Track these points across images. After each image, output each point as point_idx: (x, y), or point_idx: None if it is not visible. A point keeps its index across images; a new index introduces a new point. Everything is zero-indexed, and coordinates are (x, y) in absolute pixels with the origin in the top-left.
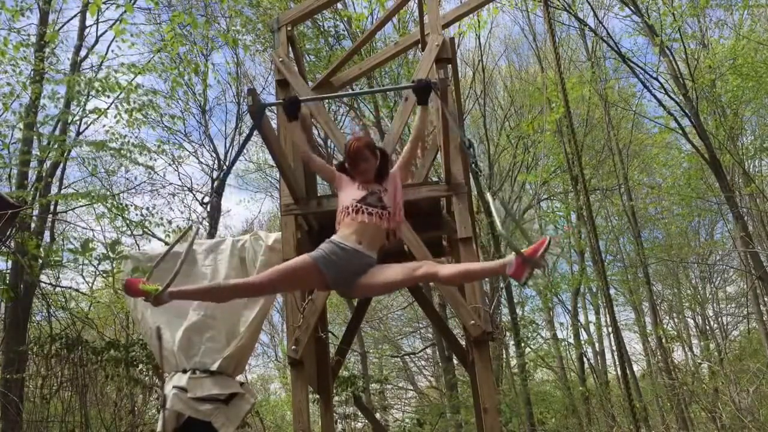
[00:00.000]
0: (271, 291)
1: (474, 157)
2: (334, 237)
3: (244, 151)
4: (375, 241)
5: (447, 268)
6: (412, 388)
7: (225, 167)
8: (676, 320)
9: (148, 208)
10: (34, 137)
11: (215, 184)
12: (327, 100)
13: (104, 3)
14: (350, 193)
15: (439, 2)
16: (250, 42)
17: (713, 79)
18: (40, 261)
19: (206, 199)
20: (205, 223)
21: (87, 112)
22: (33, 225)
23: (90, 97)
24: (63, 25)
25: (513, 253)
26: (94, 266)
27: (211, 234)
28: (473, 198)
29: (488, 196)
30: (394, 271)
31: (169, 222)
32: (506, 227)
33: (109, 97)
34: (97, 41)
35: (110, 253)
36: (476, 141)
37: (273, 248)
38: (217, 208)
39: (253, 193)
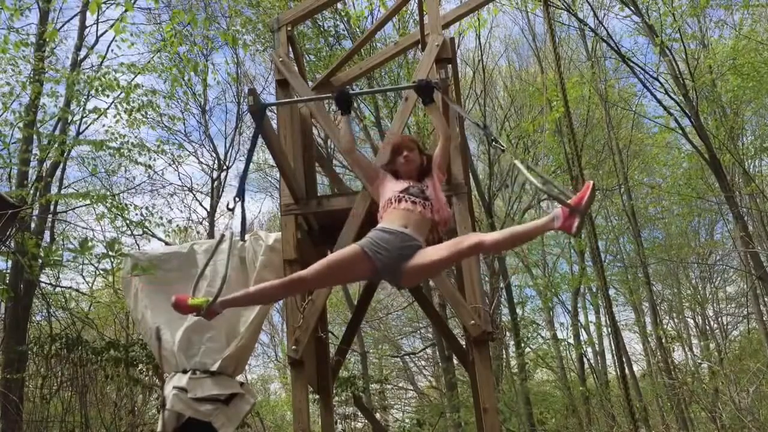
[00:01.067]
0: (320, 284)
1: (491, 135)
2: (379, 225)
3: (245, 151)
4: (421, 228)
5: (492, 236)
6: (412, 388)
7: (241, 172)
8: (676, 320)
9: (147, 208)
10: (34, 136)
11: (241, 186)
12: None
13: (104, 2)
14: (392, 187)
15: (439, 2)
16: (250, 42)
17: (713, 79)
18: (40, 261)
19: (230, 205)
20: (206, 223)
21: (87, 112)
22: (33, 225)
23: (90, 96)
24: (63, 25)
25: (558, 206)
26: (94, 265)
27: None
28: (473, 198)
29: (517, 162)
30: (438, 249)
31: (169, 221)
32: (543, 182)
33: (108, 96)
34: (97, 41)
35: (109, 252)
36: (476, 141)
37: (273, 248)
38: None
39: (253, 193)
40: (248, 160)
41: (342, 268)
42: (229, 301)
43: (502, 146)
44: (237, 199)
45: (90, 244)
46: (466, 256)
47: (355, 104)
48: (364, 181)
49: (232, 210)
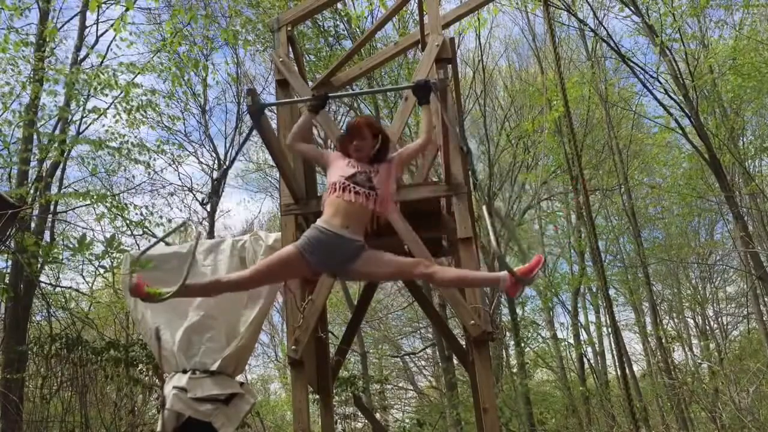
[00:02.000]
0: (260, 283)
1: (471, 164)
2: (318, 221)
3: (243, 151)
4: (361, 223)
5: (443, 273)
6: (412, 388)
7: (223, 167)
8: (676, 320)
9: (147, 207)
10: (34, 135)
11: (214, 184)
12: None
13: (104, 2)
14: (339, 170)
15: (439, 2)
16: (251, 41)
17: (713, 78)
18: (40, 259)
19: (206, 200)
20: (205, 223)
21: (87, 111)
22: (33, 225)
23: (89, 96)
24: (63, 25)
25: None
26: (91, 262)
27: (211, 235)
28: (473, 198)
29: (483, 210)
30: (390, 264)
31: (169, 221)
32: (502, 240)
33: (107, 95)
34: (97, 41)
35: (108, 249)
36: (476, 141)
37: (273, 248)
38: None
39: (253, 193)
40: (233, 160)
41: (280, 268)
42: (177, 290)
43: (476, 179)
44: (213, 196)
45: (88, 241)
46: (414, 279)
47: (354, 104)
48: (319, 165)
49: (204, 205)
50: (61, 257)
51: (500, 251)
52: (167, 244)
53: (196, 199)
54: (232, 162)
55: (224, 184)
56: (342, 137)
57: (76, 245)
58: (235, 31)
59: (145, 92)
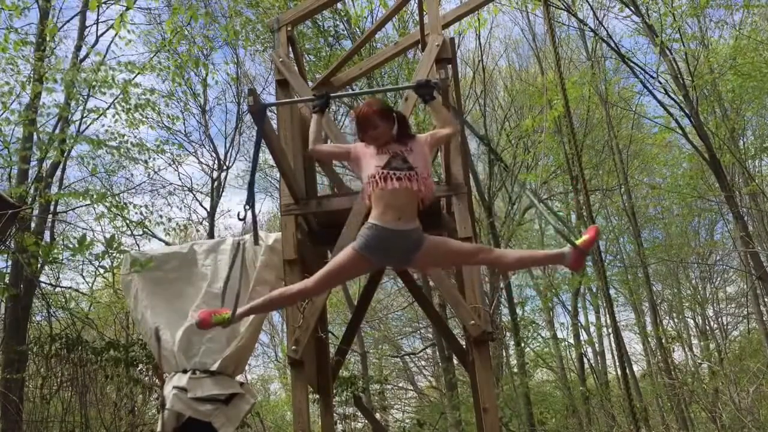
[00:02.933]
0: (325, 289)
1: (497, 154)
2: (371, 219)
3: (245, 151)
4: (412, 208)
5: (506, 256)
6: (412, 388)
7: (242, 172)
8: (676, 320)
9: (146, 206)
10: (34, 133)
11: (247, 196)
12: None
13: (105, 2)
14: (372, 161)
15: (439, 2)
16: (253, 40)
17: (714, 78)
18: (40, 260)
19: (242, 214)
20: (206, 223)
21: (87, 111)
22: (33, 225)
23: (89, 96)
24: (63, 25)
25: (568, 245)
26: (91, 262)
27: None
28: (473, 198)
29: (529, 194)
30: (452, 252)
31: (169, 219)
32: (554, 220)
33: (105, 93)
34: (97, 41)
35: (108, 249)
36: (476, 141)
37: (273, 248)
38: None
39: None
40: (254, 167)
41: (342, 272)
42: (244, 312)
43: (507, 166)
44: (247, 207)
45: (88, 242)
46: (476, 264)
47: (355, 104)
48: (344, 164)
49: (243, 219)
50: (61, 257)
51: (563, 228)
52: (167, 244)
53: (196, 199)
54: (254, 167)
55: (251, 193)
56: (357, 131)
57: (76, 245)
58: (236, 30)
59: (144, 92)
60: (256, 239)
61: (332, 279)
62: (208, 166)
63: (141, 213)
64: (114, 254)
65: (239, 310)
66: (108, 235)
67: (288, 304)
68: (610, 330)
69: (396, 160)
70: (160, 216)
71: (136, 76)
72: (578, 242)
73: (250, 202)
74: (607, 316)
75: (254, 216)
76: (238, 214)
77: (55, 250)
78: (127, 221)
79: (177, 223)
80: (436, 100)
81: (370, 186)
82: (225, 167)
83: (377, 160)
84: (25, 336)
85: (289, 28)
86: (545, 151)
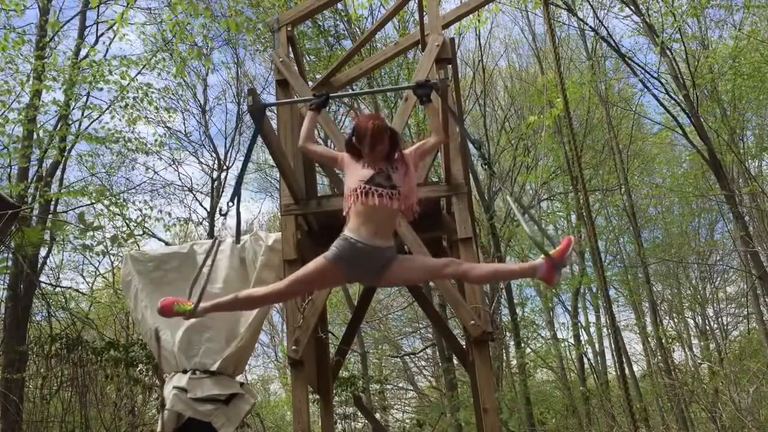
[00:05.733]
0: (291, 296)
1: (488, 158)
2: (346, 232)
3: (245, 151)
4: (389, 227)
5: (476, 270)
6: (412, 388)
7: (233, 175)
8: (676, 320)
9: (146, 201)
10: (34, 132)
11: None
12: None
13: (105, 1)
14: (357, 174)
15: (439, 2)
16: (253, 40)
17: (714, 78)
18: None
19: (224, 209)
20: (205, 223)
21: (87, 109)
22: (33, 225)
23: (89, 95)
24: (63, 25)
25: (542, 256)
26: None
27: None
28: (473, 198)
29: (509, 198)
30: (422, 268)
31: (169, 215)
32: (530, 228)
33: (101, 90)
34: (97, 41)
35: (110, 247)
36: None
37: (273, 248)
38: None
39: (253, 193)
40: (245, 164)
41: (312, 281)
42: (209, 307)
43: (494, 171)
44: (230, 203)
45: (90, 222)
46: (446, 278)
47: (355, 104)
48: (328, 166)
49: (224, 215)
50: (67, 237)
51: (539, 238)
52: (167, 244)
53: (196, 199)
54: (245, 163)
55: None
56: (352, 139)
57: (79, 223)
58: (237, 23)
59: (140, 86)
60: (238, 238)
61: (301, 285)
62: (208, 166)
63: (140, 210)
64: (123, 239)
65: (204, 305)
66: (108, 235)
67: (253, 307)
68: (610, 330)
69: (380, 177)
70: (160, 212)
71: (138, 74)
72: (552, 252)
73: (234, 198)
74: (607, 316)
75: (238, 213)
76: (220, 210)
77: (41, 235)
78: (127, 221)
79: (177, 219)
80: (432, 105)
81: (351, 199)
82: (225, 167)
83: (362, 174)
84: (25, 336)
85: (289, 28)
86: (545, 151)
